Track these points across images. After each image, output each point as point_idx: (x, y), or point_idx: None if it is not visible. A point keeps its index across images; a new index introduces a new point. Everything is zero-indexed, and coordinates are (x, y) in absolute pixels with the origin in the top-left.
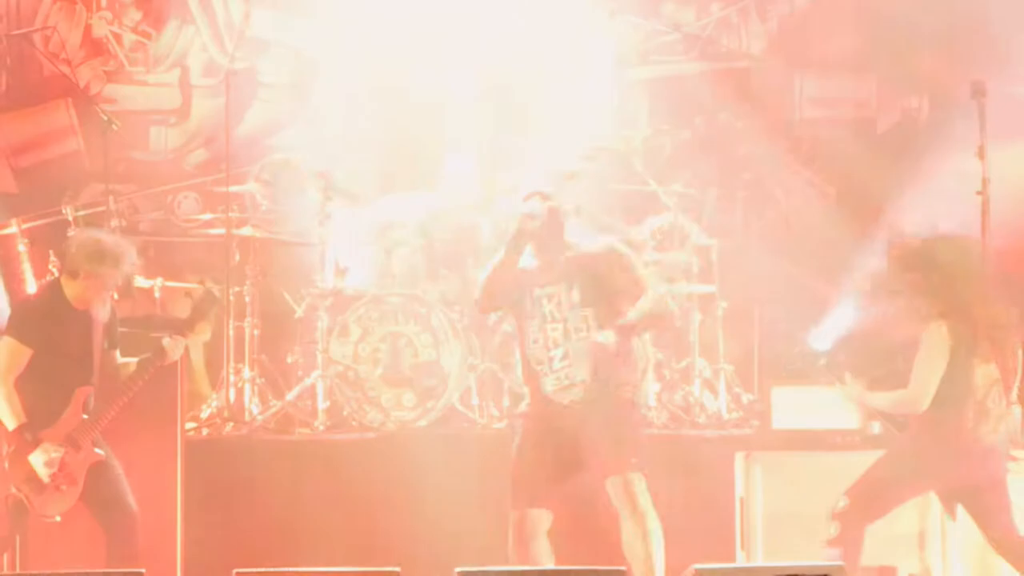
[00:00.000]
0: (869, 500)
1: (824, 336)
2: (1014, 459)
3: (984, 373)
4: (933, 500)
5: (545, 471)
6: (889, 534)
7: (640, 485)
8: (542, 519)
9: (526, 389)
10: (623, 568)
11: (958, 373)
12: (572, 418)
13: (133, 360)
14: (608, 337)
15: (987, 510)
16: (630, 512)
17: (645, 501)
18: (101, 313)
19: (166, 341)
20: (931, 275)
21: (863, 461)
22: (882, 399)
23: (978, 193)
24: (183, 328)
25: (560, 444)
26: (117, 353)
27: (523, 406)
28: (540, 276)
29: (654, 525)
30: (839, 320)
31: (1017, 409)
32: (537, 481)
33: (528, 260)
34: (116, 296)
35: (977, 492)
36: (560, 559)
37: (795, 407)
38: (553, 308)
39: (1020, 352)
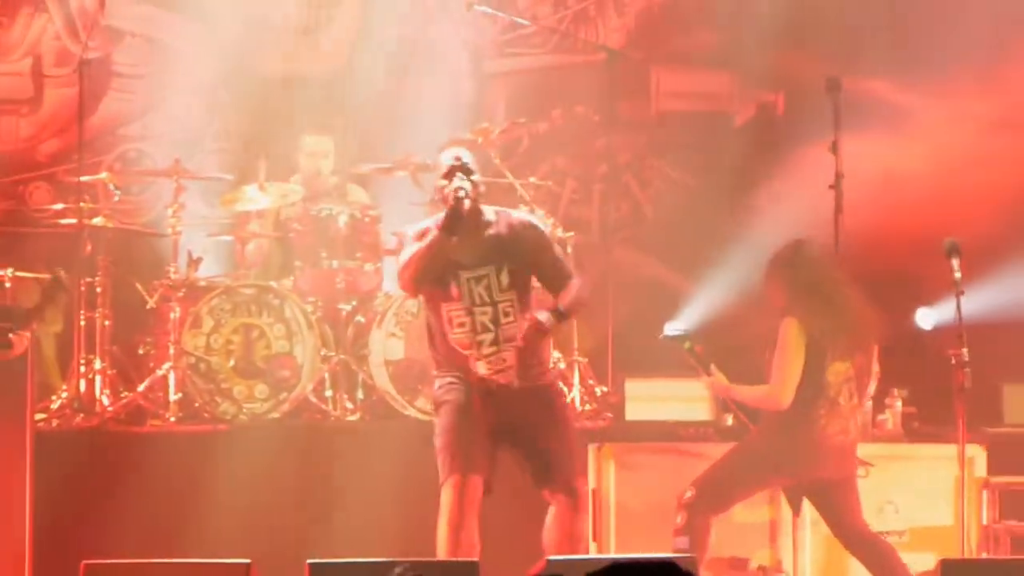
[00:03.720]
0: (715, 491)
1: (678, 328)
2: (866, 464)
3: (837, 371)
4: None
5: (481, 443)
6: (740, 525)
7: (585, 487)
8: (479, 487)
9: (446, 378)
10: (475, 560)
11: (810, 370)
12: (508, 401)
13: None
14: (545, 317)
15: (835, 506)
16: (567, 513)
17: (586, 505)
18: None
19: (10, 334)
20: (786, 272)
21: (716, 453)
22: (747, 393)
23: (831, 187)
24: (30, 317)
25: (478, 429)
26: None
27: (443, 391)
28: (467, 257)
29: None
30: (694, 313)
31: (868, 406)
32: (474, 449)
33: (445, 235)
34: None
35: (825, 488)
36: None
37: (648, 399)
38: (482, 291)
39: (875, 351)
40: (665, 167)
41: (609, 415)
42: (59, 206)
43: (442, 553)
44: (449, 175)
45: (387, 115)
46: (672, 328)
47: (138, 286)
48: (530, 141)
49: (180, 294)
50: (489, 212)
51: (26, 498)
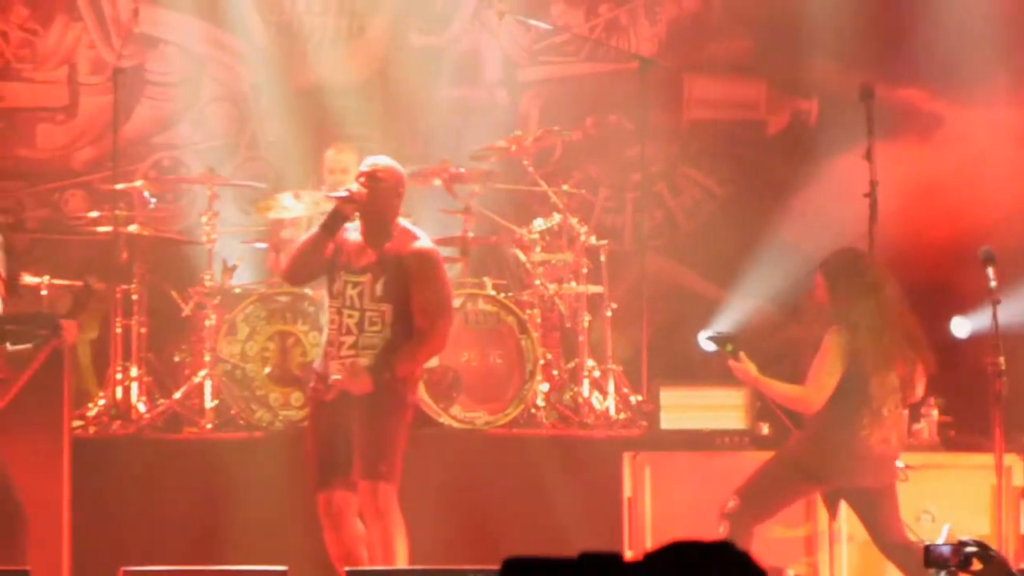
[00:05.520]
0: (757, 500)
1: (717, 332)
2: (906, 468)
3: (881, 382)
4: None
5: (332, 456)
6: (777, 539)
7: (386, 494)
8: (347, 500)
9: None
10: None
11: (855, 380)
12: (346, 407)
13: (23, 347)
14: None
15: (874, 513)
16: (370, 518)
17: (387, 508)
18: None
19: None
20: (839, 280)
21: (751, 462)
22: (778, 389)
23: (865, 195)
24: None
25: (338, 431)
26: (8, 346)
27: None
28: (353, 260)
29: (397, 536)
30: (727, 321)
31: (904, 414)
32: (327, 465)
33: (350, 239)
34: (2, 290)
35: (866, 495)
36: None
37: (683, 408)
38: (355, 295)
39: (920, 366)
40: (698, 175)
41: (644, 424)
42: (94, 214)
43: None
44: (356, 179)
45: (420, 123)
46: (710, 335)
47: (173, 294)
48: (563, 149)
49: (215, 301)
50: (397, 225)
51: (64, 505)
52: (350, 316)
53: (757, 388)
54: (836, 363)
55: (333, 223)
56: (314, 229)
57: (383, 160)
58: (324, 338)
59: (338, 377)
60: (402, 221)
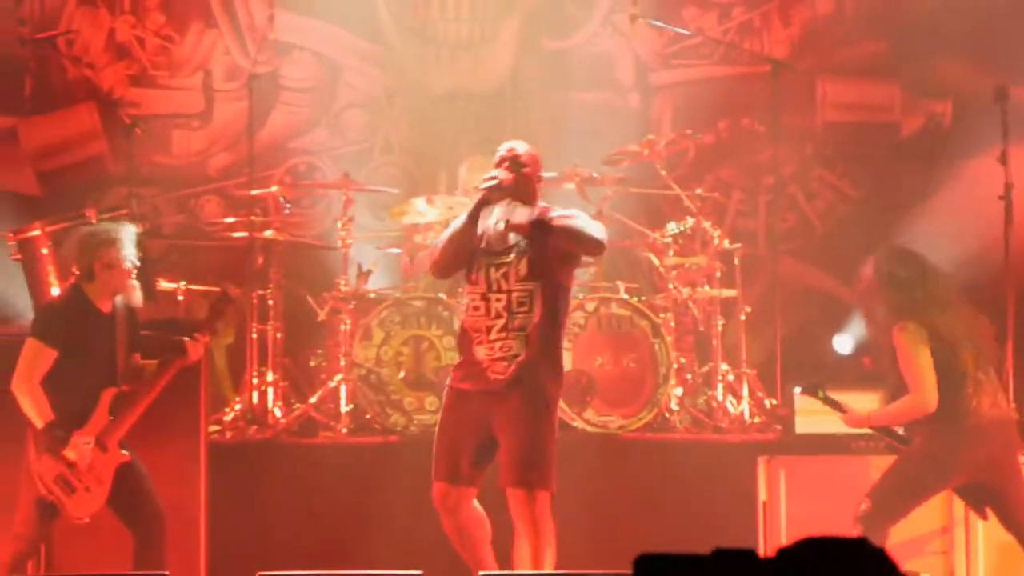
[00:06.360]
0: (891, 501)
1: (848, 340)
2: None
3: (966, 351)
4: (956, 502)
5: (465, 448)
6: (910, 535)
7: (539, 503)
8: (465, 494)
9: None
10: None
11: (943, 359)
12: (495, 399)
13: (154, 361)
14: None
15: (1008, 501)
16: (523, 529)
17: (541, 518)
18: (132, 300)
19: (186, 340)
20: (894, 276)
21: (886, 465)
22: (892, 411)
23: (1000, 198)
24: (201, 329)
25: (479, 426)
26: (139, 355)
27: (448, 377)
28: (493, 244)
29: (548, 548)
30: (860, 324)
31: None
32: (456, 457)
33: (489, 225)
34: (141, 296)
35: (998, 474)
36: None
37: (818, 411)
38: (499, 278)
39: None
40: (831, 178)
41: (778, 428)
42: (230, 219)
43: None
44: (498, 165)
45: (552, 128)
46: (801, 386)
47: (309, 299)
48: (696, 153)
49: (350, 306)
50: (537, 206)
51: (201, 509)
52: (498, 299)
53: (873, 425)
54: (923, 354)
55: (478, 212)
56: (461, 219)
57: (520, 145)
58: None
59: (486, 357)
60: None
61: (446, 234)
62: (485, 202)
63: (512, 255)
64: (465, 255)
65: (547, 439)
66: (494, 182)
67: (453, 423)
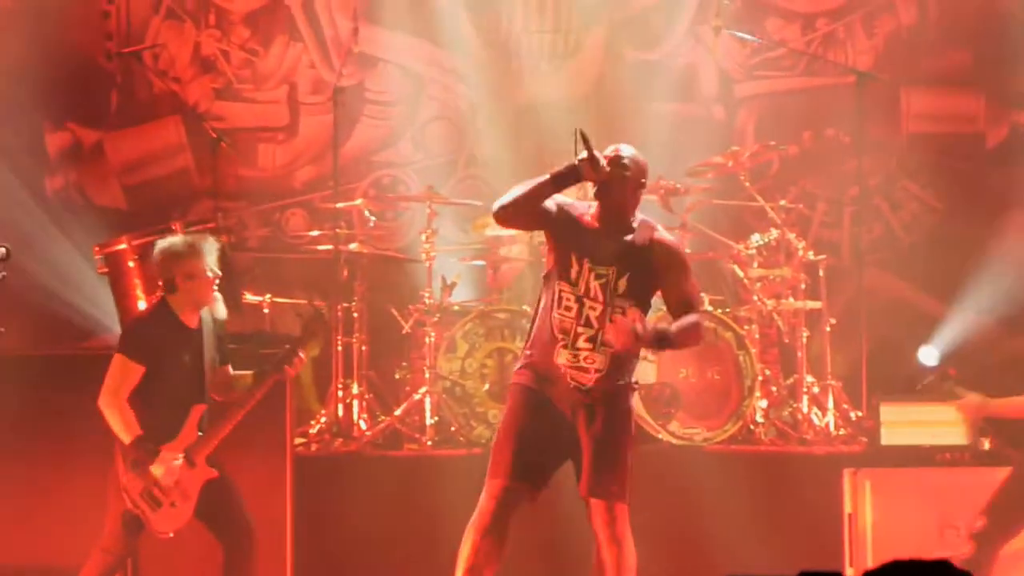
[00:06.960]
0: (1007, 517)
1: (934, 352)
2: None
3: None
4: None
5: (534, 447)
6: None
7: (620, 515)
8: (518, 498)
9: (528, 352)
10: None
11: None
12: (576, 406)
13: (248, 372)
14: (644, 328)
15: None
16: (606, 540)
17: (623, 531)
18: (216, 311)
19: (287, 360)
20: None
21: (972, 477)
22: (1011, 404)
23: None
24: (298, 347)
25: (555, 427)
26: (229, 368)
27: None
28: (593, 249)
29: (630, 559)
30: (950, 335)
31: None
32: (519, 458)
33: (586, 223)
34: (224, 308)
35: None
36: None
37: (904, 423)
38: (598, 288)
39: None
40: (916, 189)
41: (864, 440)
42: (315, 232)
43: (461, 559)
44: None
45: (636, 139)
46: (918, 360)
47: (393, 311)
48: (780, 164)
49: (435, 319)
50: (636, 219)
51: (287, 522)
52: (592, 308)
53: (989, 414)
54: None
55: (564, 180)
56: (543, 177)
57: (628, 149)
58: (536, 325)
59: (566, 363)
60: (640, 215)
61: (524, 186)
62: (575, 173)
63: (612, 267)
64: (529, 216)
65: (628, 453)
66: (597, 159)
67: (528, 424)
